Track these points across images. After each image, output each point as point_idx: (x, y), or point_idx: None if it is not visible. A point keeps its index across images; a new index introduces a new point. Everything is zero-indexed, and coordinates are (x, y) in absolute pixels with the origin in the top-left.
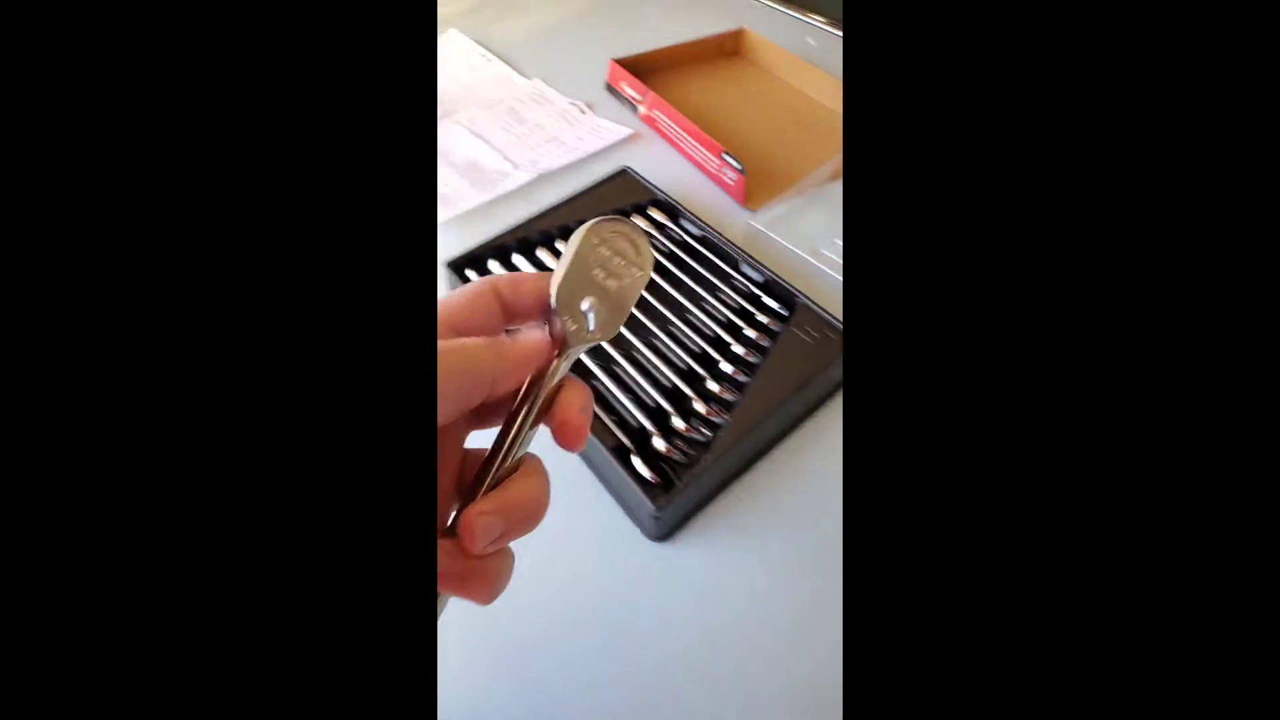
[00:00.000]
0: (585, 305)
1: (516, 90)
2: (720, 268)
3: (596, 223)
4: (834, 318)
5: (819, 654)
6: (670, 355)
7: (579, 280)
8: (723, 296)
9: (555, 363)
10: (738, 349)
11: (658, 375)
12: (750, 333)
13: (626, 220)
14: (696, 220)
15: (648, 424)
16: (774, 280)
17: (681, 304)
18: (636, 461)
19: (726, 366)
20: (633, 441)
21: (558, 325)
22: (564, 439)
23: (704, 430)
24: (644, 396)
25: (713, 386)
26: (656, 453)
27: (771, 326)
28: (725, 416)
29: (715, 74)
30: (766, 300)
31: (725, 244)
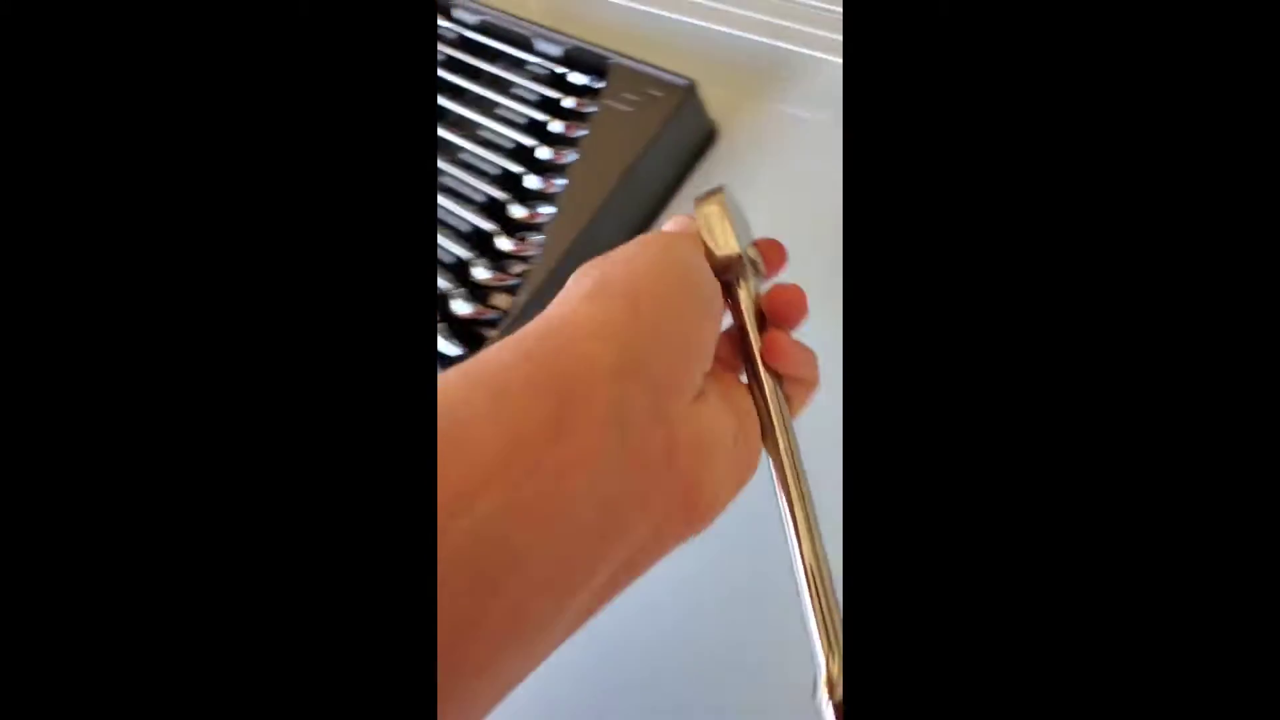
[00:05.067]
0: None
1: None
2: (510, 56)
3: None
4: (659, 69)
5: None
6: (463, 191)
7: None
8: (517, 92)
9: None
10: (544, 153)
11: (452, 221)
12: (557, 126)
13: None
14: (471, 4)
15: (446, 284)
16: (578, 48)
17: (470, 121)
18: (441, 338)
19: (533, 181)
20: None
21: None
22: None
23: (516, 271)
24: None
25: (518, 213)
26: (459, 320)
27: (584, 109)
28: (538, 247)
29: None
30: (573, 78)
31: (511, 24)
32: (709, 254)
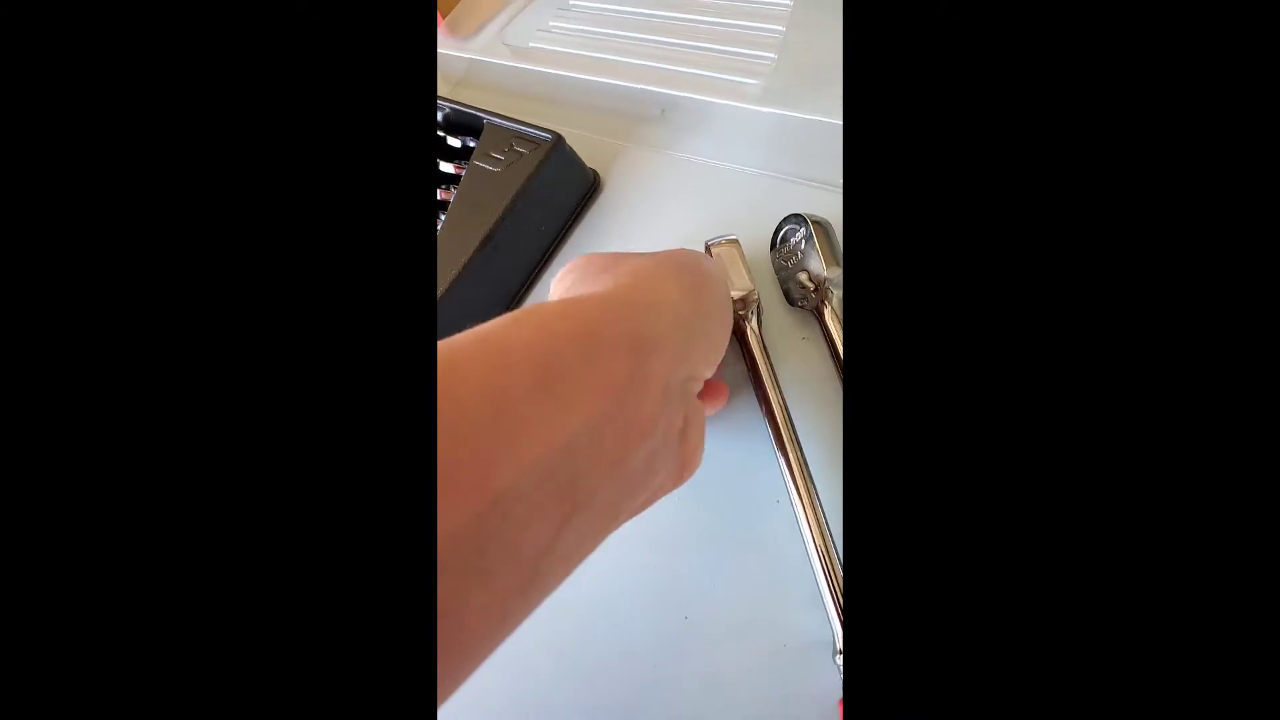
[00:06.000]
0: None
1: None
2: None
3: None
4: (525, 125)
5: None
6: None
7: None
8: None
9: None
10: None
11: None
12: (438, 194)
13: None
14: None
15: None
16: (456, 111)
17: None
18: None
19: None
20: None
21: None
22: None
23: None
24: None
25: None
26: None
27: (460, 172)
28: None
29: None
30: (452, 141)
31: None
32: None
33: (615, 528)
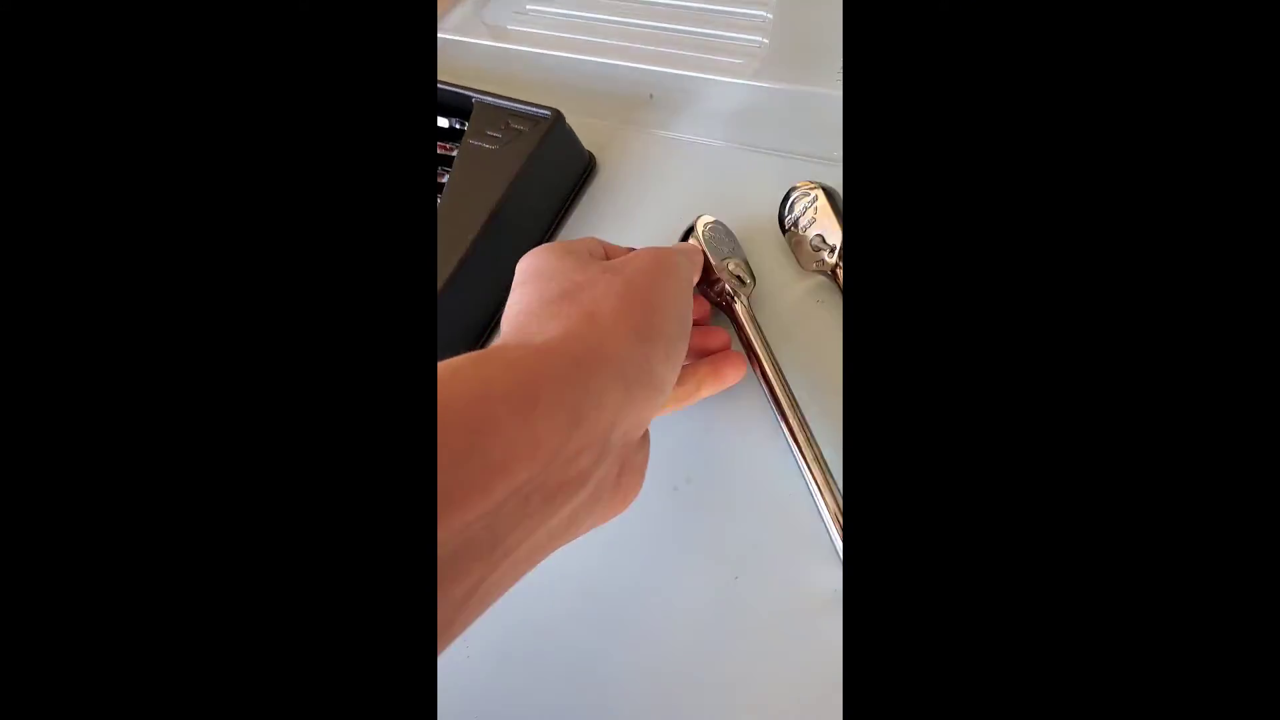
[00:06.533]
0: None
1: None
2: None
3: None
4: (522, 103)
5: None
6: None
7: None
8: None
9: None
10: None
11: None
12: None
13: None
14: None
15: None
16: (441, 90)
17: None
18: None
19: None
20: None
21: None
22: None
23: None
24: None
25: None
26: None
27: (449, 153)
28: None
29: None
30: (440, 122)
31: None
32: (710, 269)
33: (532, 568)
